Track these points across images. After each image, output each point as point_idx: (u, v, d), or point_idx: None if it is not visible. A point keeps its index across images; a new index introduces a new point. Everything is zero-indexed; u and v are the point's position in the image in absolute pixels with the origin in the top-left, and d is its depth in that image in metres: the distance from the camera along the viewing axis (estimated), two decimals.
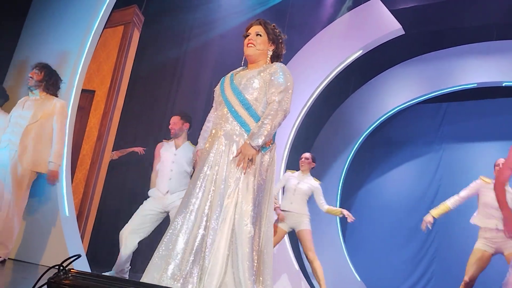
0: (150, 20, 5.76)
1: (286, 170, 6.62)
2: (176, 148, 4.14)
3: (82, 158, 5.16)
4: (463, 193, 4.45)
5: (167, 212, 3.97)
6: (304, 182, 4.98)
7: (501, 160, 4.34)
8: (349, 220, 4.95)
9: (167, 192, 3.93)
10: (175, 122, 4.15)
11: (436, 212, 4.47)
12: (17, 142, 3.83)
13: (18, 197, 3.79)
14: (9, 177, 3.77)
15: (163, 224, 3.95)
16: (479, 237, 4.24)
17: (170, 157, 4.08)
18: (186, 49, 6.27)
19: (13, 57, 4.85)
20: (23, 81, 4.39)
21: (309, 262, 4.86)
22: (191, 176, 4.05)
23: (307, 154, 5.15)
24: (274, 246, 4.92)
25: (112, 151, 5.31)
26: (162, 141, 4.34)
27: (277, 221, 4.91)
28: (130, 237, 3.86)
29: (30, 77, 3.99)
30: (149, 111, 6.10)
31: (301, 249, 5.53)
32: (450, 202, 4.45)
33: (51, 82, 4.04)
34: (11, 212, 3.75)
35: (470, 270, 4.09)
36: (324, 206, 4.99)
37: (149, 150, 5.49)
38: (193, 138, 4.14)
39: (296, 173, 5.12)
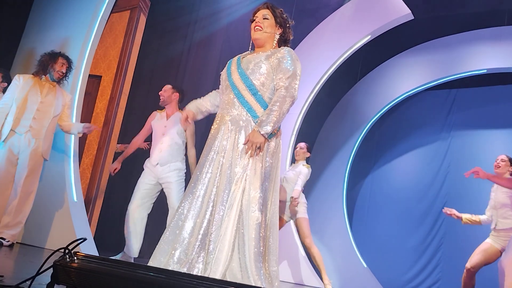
0: (157, 4, 5.72)
1: (292, 156, 6.64)
2: (167, 118, 4.13)
3: (89, 144, 5.18)
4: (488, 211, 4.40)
5: (161, 184, 3.98)
6: (291, 170, 5.00)
7: (502, 157, 4.31)
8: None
9: (157, 164, 3.95)
10: (166, 90, 4.18)
11: (466, 218, 4.41)
12: (38, 129, 3.84)
13: (31, 183, 3.83)
14: (26, 164, 3.80)
15: (167, 210, 3.96)
16: (491, 234, 4.21)
17: (161, 129, 4.09)
18: (193, 33, 6.23)
19: (20, 44, 4.84)
20: (30, 67, 4.37)
21: (307, 248, 4.89)
22: (186, 146, 4.06)
23: (301, 144, 5.15)
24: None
25: (118, 143, 5.31)
26: (156, 111, 4.31)
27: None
28: (137, 211, 3.91)
29: (61, 71, 3.98)
30: (156, 96, 6.09)
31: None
32: (482, 219, 4.39)
33: (68, 74, 4.07)
34: (24, 198, 3.78)
35: (473, 258, 4.09)
36: (295, 186, 4.80)
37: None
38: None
39: (293, 164, 5.14)
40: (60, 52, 4.10)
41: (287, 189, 4.91)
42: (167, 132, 4.03)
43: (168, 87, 4.21)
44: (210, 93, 2.75)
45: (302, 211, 4.89)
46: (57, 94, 4.01)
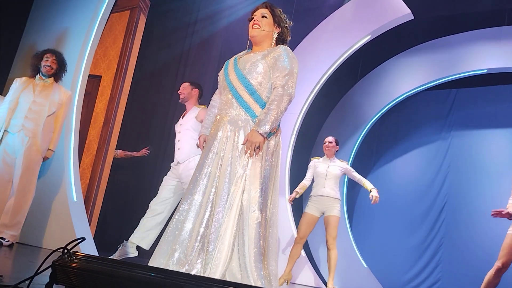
0: (156, 4, 5.72)
1: (292, 156, 6.63)
2: (183, 117, 4.15)
3: (88, 144, 5.18)
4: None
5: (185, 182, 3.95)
6: (334, 165, 5.01)
7: None
8: (372, 202, 4.90)
9: (178, 163, 3.94)
10: (185, 87, 4.19)
11: None
12: (31, 129, 3.84)
13: (28, 182, 3.83)
14: (21, 163, 3.80)
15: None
16: None
17: (177, 128, 4.12)
18: (193, 34, 6.23)
19: (20, 42, 4.84)
20: (35, 66, 4.37)
21: (327, 248, 4.86)
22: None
23: (330, 138, 5.12)
24: (307, 235, 4.96)
25: (118, 143, 5.32)
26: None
27: (308, 208, 4.94)
28: (159, 204, 3.87)
29: (49, 66, 3.98)
30: (156, 96, 6.10)
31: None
32: None
33: (62, 69, 4.06)
34: (21, 197, 3.78)
35: (503, 256, 3.91)
36: (362, 179, 5.09)
37: (153, 149, 5.53)
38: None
39: (321, 158, 5.12)
40: (48, 48, 4.10)
41: (331, 184, 4.91)
42: (182, 130, 4.04)
43: (186, 84, 4.22)
44: (213, 100, 2.72)
45: (337, 209, 4.89)
46: (53, 91, 3.99)
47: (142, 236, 3.83)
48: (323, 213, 4.94)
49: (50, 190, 4.17)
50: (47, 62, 4.00)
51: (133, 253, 3.89)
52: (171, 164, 4.05)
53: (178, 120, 4.22)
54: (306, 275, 6.11)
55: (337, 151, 5.15)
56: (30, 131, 3.84)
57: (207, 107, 3.93)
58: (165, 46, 6.15)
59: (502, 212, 3.84)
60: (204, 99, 4.33)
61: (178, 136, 4.05)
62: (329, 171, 4.95)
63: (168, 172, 4.03)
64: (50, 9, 4.82)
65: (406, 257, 7.54)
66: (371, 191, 4.92)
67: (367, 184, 5.04)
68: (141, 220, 3.87)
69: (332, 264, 4.77)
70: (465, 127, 7.74)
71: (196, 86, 4.20)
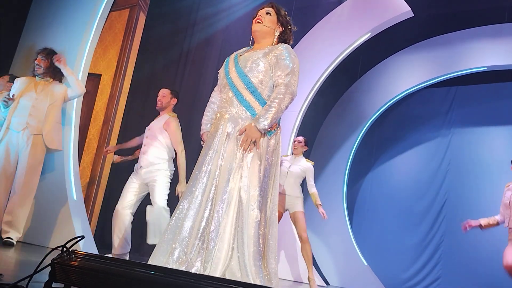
0: (157, 3, 5.71)
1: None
2: (154, 121, 4.15)
3: (88, 142, 5.18)
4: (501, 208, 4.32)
5: (147, 184, 3.98)
6: (296, 165, 5.00)
7: None
8: (323, 217, 4.91)
9: (140, 167, 3.96)
10: (164, 95, 4.14)
11: (484, 223, 4.30)
12: (36, 126, 3.85)
13: (31, 180, 3.83)
14: (26, 161, 3.80)
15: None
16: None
17: (146, 132, 4.12)
18: (193, 34, 6.23)
19: (19, 42, 4.83)
20: (29, 65, 4.38)
21: (301, 242, 4.90)
22: (168, 144, 3.99)
23: (299, 138, 5.16)
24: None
25: (117, 142, 5.32)
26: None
27: None
28: (124, 212, 3.92)
29: (37, 64, 3.99)
30: (156, 95, 6.08)
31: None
32: (499, 219, 4.30)
33: (58, 68, 4.06)
34: (24, 195, 3.78)
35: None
36: (312, 188, 4.99)
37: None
38: (178, 113, 4.14)
39: (289, 156, 5.15)
40: (44, 47, 4.10)
41: (291, 183, 4.91)
42: (149, 135, 4.04)
43: (166, 91, 4.16)
44: (213, 96, 2.70)
45: (300, 204, 4.91)
46: (51, 85, 4.02)
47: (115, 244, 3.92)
48: (287, 210, 4.96)
49: (50, 189, 4.17)
50: (36, 61, 4.02)
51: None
52: (135, 166, 4.06)
53: (149, 123, 4.20)
54: (305, 272, 6.11)
55: (305, 151, 5.14)
56: (35, 128, 3.86)
57: (177, 117, 3.97)
58: (165, 44, 6.14)
59: (470, 226, 4.00)
60: (178, 108, 4.28)
61: (145, 141, 4.05)
62: (290, 170, 4.96)
63: (131, 174, 4.05)
64: (49, 8, 4.81)
65: (407, 254, 7.55)
66: (317, 207, 4.91)
67: (317, 196, 4.96)
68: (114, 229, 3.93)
69: (309, 256, 4.83)
70: (465, 125, 7.74)
71: (175, 95, 4.16)
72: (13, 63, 4.78)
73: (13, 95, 3.93)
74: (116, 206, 3.98)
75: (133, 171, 4.07)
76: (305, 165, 5.00)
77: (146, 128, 4.16)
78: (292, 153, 5.16)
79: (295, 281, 6.04)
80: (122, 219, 3.91)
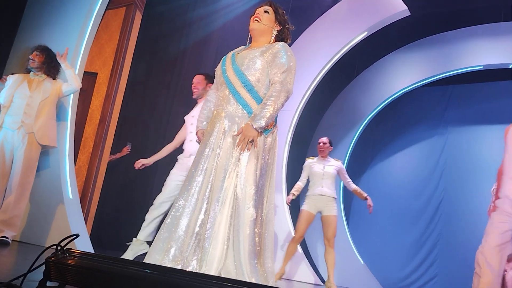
0: (153, 2, 5.70)
1: (289, 153, 6.62)
2: (195, 108, 4.02)
3: (84, 141, 5.16)
4: None
5: None
6: (329, 165, 5.05)
7: None
8: (369, 211, 4.99)
9: (190, 155, 3.81)
10: (199, 81, 3.97)
11: None
12: (31, 124, 3.83)
13: (27, 179, 3.82)
14: (21, 159, 3.79)
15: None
16: None
17: (189, 120, 3.97)
18: (189, 33, 6.22)
19: (15, 41, 4.81)
20: (24, 64, 4.36)
21: (328, 246, 4.90)
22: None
23: (324, 139, 5.15)
24: (304, 231, 4.97)
25: (114, 141, 5.33)
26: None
27: (305, 205, 4.97)
28: (161, 205, 3.76)
29: (32, 59, 3.99)
30: (152, 93, 6.08)
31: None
32: None
33: (52, 65, 4.05)
34: (20, 194, 3.77)
35: None
36: (351, 185, 5.12)
37: (133, 145, 5.52)
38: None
39: (316, 158, 5.15)
40: (38, 45, 4.10)
41: (328, 183, 4.94)
42: (195, 122, 3.79)
43: (201, 77, 3.97)
44: (209, 95, 2.68)
45: (336, 208, 4.93)
46: (45, 82, 4.00)
47: (148, 232, 3.78)
48: (320, 212, 4.96)
49: (46, 188, 4.15)
50: (31, 56, 4.01)
51: (145, 249, 3.84)
52: (180, 157, 3.91)
53: (189, 112, 4.07)
54: (303, 271, 6.11)
55: (330, 151, 5.16)
56: (30, 126, 3.84)
57: None
58: (161, 43, 6.12)
59: None
60: None
61: (190, 128, 3.89)
62: (325, 171, 5.00)
63: (176, 166, 3.89)
64: (45, 6, 4.79)
65: (403, 253, 7.56)
66: (366, 198, 4.96)
67: (360, 190, 5.06)
68: (146, 217, 3.81)
69: (332, 262, 4.84)
70: (461, 123, 7.76)
71: (210, 80, 3.92)
72: (8, 61, 4.76)
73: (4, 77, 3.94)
74: (154, 201, 3.81)
75: (172, 164, 3.88)
76: (337, 164, 5.09)
77: (188, 116, 3.98)
78: (318, 155, 5.14)
79: (292, 280, 6.04)
80: (155, 212, 3.75)
